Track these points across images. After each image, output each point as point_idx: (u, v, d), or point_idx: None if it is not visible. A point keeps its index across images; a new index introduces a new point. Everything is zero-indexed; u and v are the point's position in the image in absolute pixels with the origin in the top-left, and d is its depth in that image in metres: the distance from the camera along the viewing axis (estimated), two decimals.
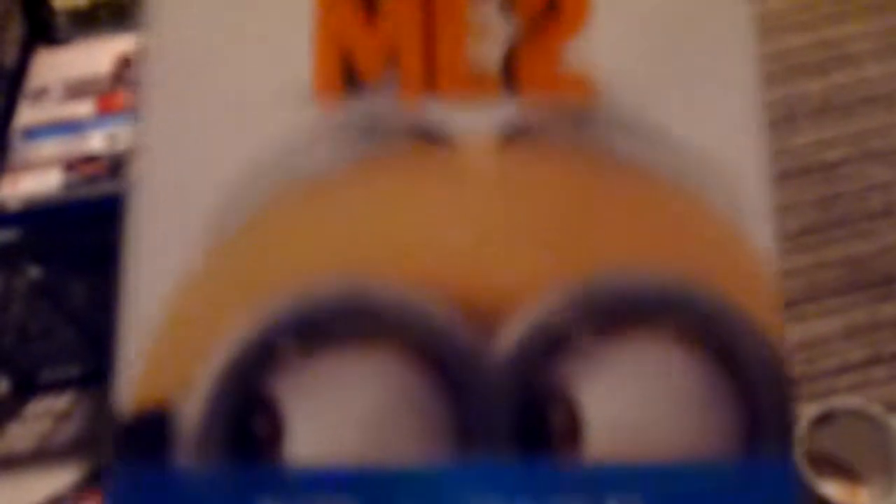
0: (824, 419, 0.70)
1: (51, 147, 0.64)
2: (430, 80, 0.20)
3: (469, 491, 0.18)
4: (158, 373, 0.18)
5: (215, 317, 0.18)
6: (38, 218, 0.64)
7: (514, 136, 0.19)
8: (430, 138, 0.19)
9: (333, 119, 0.19)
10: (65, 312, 0.78)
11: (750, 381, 0.20)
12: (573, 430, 0.18)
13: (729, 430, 0.19)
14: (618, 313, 0.19)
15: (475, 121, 0.19)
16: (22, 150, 0.65)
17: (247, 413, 0.18)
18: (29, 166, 0.63)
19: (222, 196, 0.19)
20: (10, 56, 0.89)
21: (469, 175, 0.19)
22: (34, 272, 0.74)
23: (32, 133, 0.66)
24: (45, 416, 0.86)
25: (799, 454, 0.67)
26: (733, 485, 0.19)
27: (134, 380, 0.18)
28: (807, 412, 0.70)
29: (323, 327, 0.19)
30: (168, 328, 0.18)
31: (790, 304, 0.86)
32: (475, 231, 0.19)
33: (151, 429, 0.18)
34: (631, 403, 0.19)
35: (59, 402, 0.86)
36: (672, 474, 0.19)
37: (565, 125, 0.19)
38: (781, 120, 1.01)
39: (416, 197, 0.19)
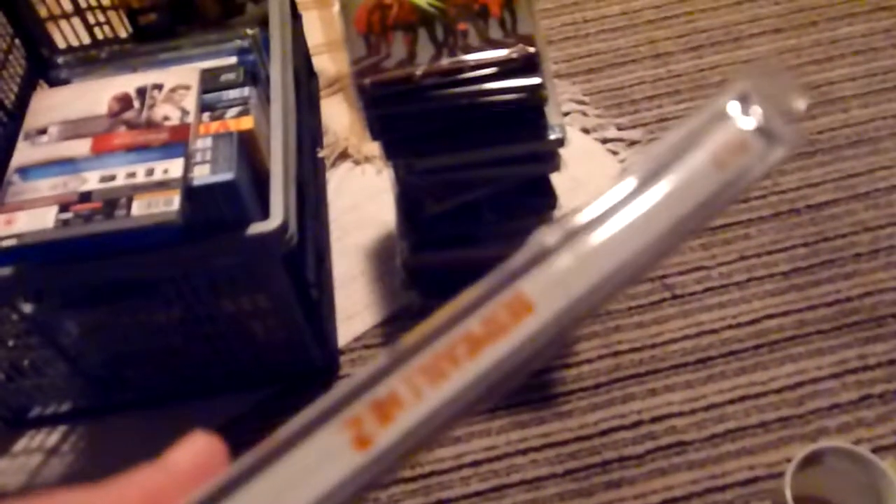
0: (813, 460, 0.70)
1: (46, 185, 0.65)
2: None
3: None
4: None
5: None
6: (32, 255, 0.64)
7: None
8: None
9: None
10: (57, 349, 0.78)
11: None
12: None
13: None
14: None
15: None
16: (18, 188, 0.65)
17: None
18: (24, 204, 0.64)
19: None
20: (11, 94, 0.90)
21: None
22: (27, 309, 0.75)
23: (28, 171, 0.67)
24: (35, 451, 0.86)
25: (786, 496, 0.67)
26: None
27: None
28: (796, 454, 0.70)
29: None
30: None
31: (780, 344, 0.86)
32: None
33: None
34: None
35: (49, 438, 0.86)
36: None
37: None
38: None
39: None
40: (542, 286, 0.17)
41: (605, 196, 0.18)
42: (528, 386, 0.85)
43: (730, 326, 0.88)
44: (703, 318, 0.89)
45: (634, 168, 0.18)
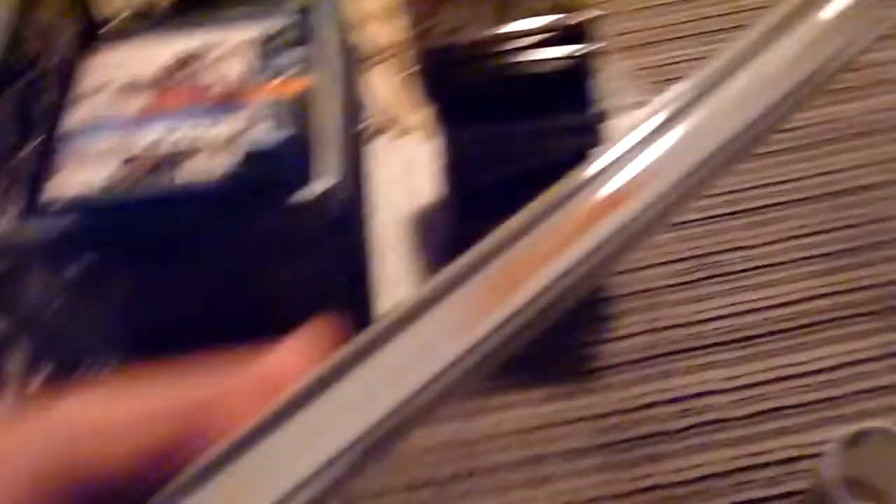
0: (854, 442, 0.70)
1: (103, 142, 0.66)
2: None
3: None
4: None
5: None
6: (87, 211, 0.65)
7: None
8: None
9: None
10: (108, 304, 0.80)
11: None
12: None
13: None
14: None
15: None
16: (75, 144, 0.66)
17: None
18: (81, 161, 0.65)
19: None
20: (63, 54, 0.91)
21: None
22: (80, 264, 0.76)
23: (83, 130, 0.68)
24: None
25: (829, 477, 0.67)
26: None
27: None
28: (837, 435, 0.69)
29: None
30: None
31: (823, 325, 0.85)
32: None
33: None
34: None
35: None
36: None
37: None
38: (819, 142, 1.01)
39: None
40: (647, 165, 0.17)
41: (714, 64, 0.18)
42: (567, 359, 0.86)
43: (772, 306, 0.88)
44: (744, 297, 0.89)
45: (732, 45, 0.18)
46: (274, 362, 0.17)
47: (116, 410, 0.16)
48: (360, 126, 1.07)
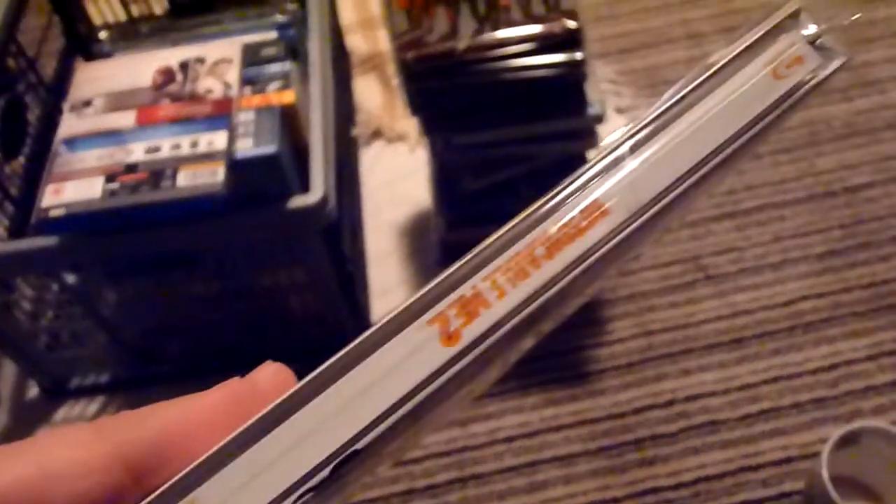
0: (848, 441, 0.70)
1: (93, 156, 0.66)
2: None
3: None
4: None
5: None
6: (79, 225, 0.65)
7: None
8: None
9: None
10: (97, 319, 0.80)
11: None
12: None
13: None
14: None
15: None
16: (65, 158, 0.66)
17: None
18: (71, 175, 0.65)
19: None
20: (50, 69, 0.91)
21: None
22: (70, 279, 0.76)
23: (75, 142, 0.68)
24: (74, 421, 0.87)
25: (823, 476, 0.67)
26: None
27: None
28: (830, 434, 0.70)
29: None
30: None
31: (815, 326, 0.86)
32: None
33: None
34: None
35: (88, 408, 0.88)
36: None
37: None
38: (805, 144, 1.02)
39: None
40: (615, 191, 0.17)
41: (665, 104, 0.18)
42: (561, 364, 0.86)
43: (764, 307, 0.88)
44: (737, 298, 0.89)
45: (689, 80, 0.19)
46: (235, 390, 0.17)
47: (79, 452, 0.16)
48: (351, 134, 1.07)
